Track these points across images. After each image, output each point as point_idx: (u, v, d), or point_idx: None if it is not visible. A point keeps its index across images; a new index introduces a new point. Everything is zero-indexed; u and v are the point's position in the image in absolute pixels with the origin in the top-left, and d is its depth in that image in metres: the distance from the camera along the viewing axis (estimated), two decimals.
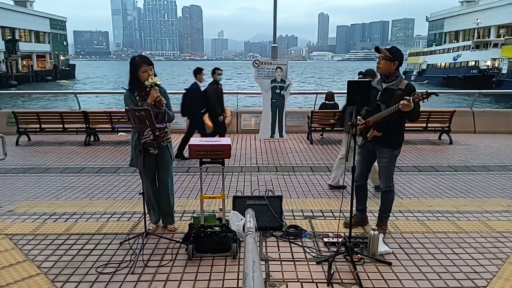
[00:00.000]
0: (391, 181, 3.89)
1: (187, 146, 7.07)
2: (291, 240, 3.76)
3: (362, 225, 4.08)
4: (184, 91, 7.44)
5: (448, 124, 8.85)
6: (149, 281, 3.09)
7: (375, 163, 4.07)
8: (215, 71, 7.51)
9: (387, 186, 3.88)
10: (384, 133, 3.69)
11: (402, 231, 4.02)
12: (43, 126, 8.75)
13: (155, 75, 3.68)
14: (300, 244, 3.71)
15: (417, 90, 3.65)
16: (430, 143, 8.80)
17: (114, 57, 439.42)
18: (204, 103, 7.37)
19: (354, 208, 3.61)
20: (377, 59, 3.77)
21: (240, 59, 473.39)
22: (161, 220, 4.08)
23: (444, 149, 8.21)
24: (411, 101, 3.38)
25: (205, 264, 3.33)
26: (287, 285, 3.03)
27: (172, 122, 3.89)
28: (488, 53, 48.70)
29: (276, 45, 10.07)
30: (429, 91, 3.48)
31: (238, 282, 3.05)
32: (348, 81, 3.35)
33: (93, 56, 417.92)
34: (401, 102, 3.41)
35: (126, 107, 3.49)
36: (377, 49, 3.68)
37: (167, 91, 3.86)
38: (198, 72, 7.37)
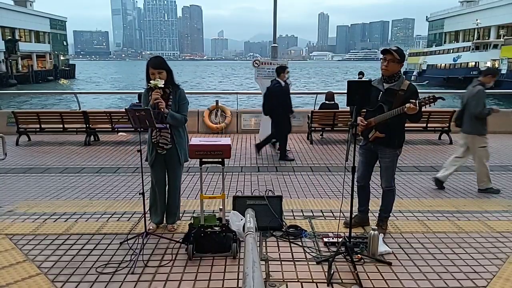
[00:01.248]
0: (392, 181, 3.90)
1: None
2: (291, 240, 3.76)
3: (363, 225, 4.08)
4: (265, 90, 7.43)
5: (448, 124, 8.85)
6: (149, 281, 3.09)
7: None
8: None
9: (388, 186, 3.89)
10: (386, 134, 3.69)
11: (402, 231, 4.02)
12: (43, 126, 8.76)
13: (170, 77, 3.72)
14: (300, 244, 3.70)
15: (419, 91, 3.66)
16: (430, 143, 8.81)
17: (114, 57, 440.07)
18: (286, 101, 7.33)
19: (354, 208, 3.61)
20: (381, 60, 3.72)
21: (240, 59, 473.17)
22: (164, 218, 4.09)
23: (444, 149, 8.21)
24: (417, 105, 3.38)
25: (205, 264, 3.33)
26: (287, 285, 3.03)
27: (179, 124, 3.80)
28: (488, 54, 48.64)
29: (276, 45, 10.05)
30: (436, 95, 3.48)
31: (238, 282, 3.05)
32: (348, 81, 3.34)
33: (93, 56, 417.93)
34: (407, 105, 3.41)
35: (125, 108, 3.55)
36: (386, 51, 3.62)
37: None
38: (281, 70, 7.32)
